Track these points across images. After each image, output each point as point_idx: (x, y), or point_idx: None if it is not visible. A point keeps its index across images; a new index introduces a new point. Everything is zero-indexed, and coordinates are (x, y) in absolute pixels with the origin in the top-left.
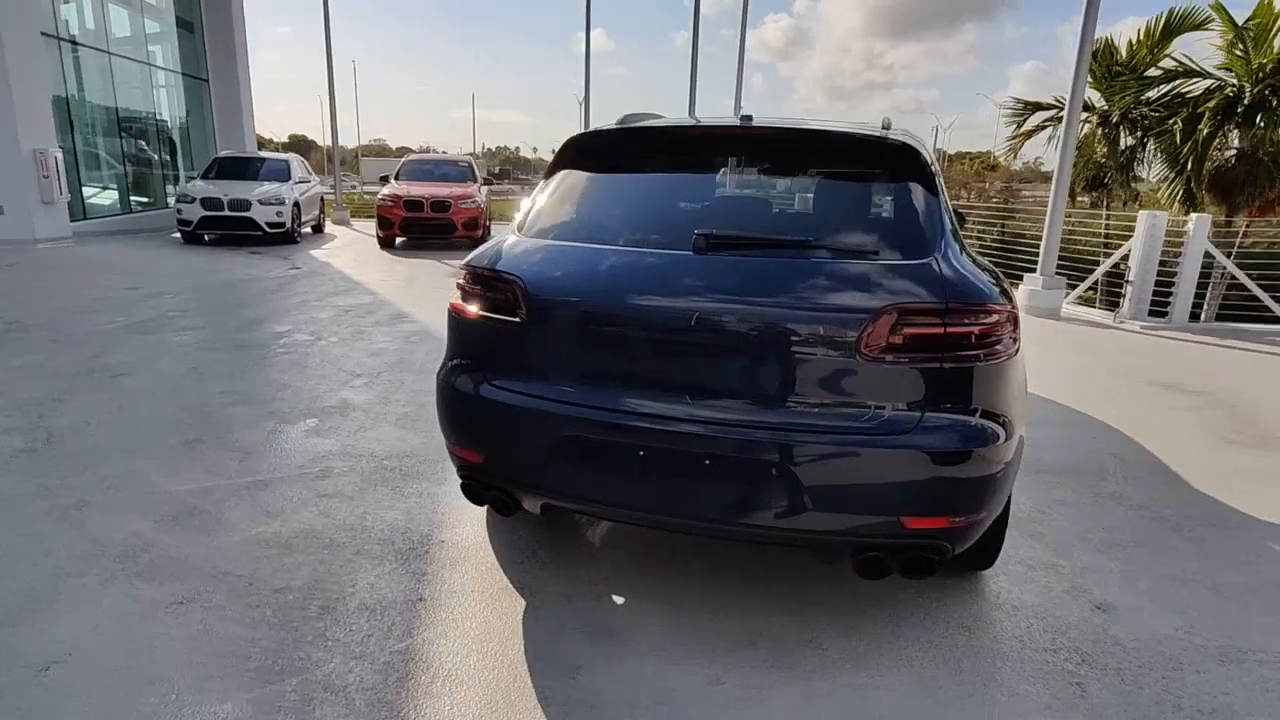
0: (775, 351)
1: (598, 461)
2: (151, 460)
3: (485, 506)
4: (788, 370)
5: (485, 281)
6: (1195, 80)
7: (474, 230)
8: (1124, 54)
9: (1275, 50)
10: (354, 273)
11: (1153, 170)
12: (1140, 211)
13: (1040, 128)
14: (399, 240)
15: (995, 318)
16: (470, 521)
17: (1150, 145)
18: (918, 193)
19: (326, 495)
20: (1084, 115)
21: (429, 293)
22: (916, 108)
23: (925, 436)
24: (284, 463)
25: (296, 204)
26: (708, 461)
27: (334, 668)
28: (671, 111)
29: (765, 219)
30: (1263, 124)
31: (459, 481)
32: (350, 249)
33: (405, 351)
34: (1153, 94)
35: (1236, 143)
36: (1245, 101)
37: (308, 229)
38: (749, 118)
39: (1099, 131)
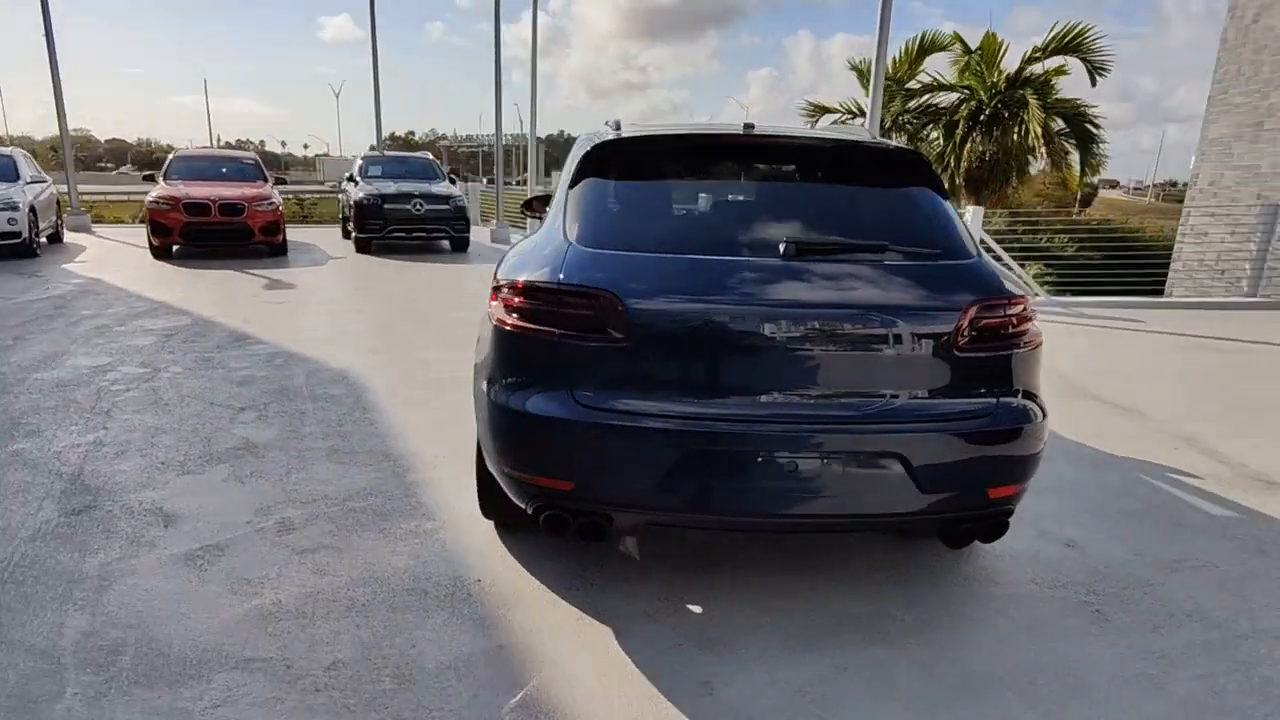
0: (879, 348)
1: (715, 471)
2: (50, 544)
3: (499, 531)
4: (892, 365)
5: (561, 297)
6: (946, 93)
7: (274, 236)
8: (890, 69)
9: (1002, 73)
10: (143, 290)
11: None
12: None
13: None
14: (176, 249)
15: (1030, 309)
16: (492, 555)
17: (919, 148)
18: (941, 199)
19: (306, 550)
20: (860, 120)
21: (260, 308)
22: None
23: (1004, 416)
24: (224, 520)
25: (32, 208)
26: (824, 460)
27: None
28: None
29: (826, 224)
30: (998, 131)
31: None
32: (113, 261)
33: (280, 378)
34: (914, 104)
35: (981, 146)
36: (986, 112)
37: (44, 238)
38: (751, 126)
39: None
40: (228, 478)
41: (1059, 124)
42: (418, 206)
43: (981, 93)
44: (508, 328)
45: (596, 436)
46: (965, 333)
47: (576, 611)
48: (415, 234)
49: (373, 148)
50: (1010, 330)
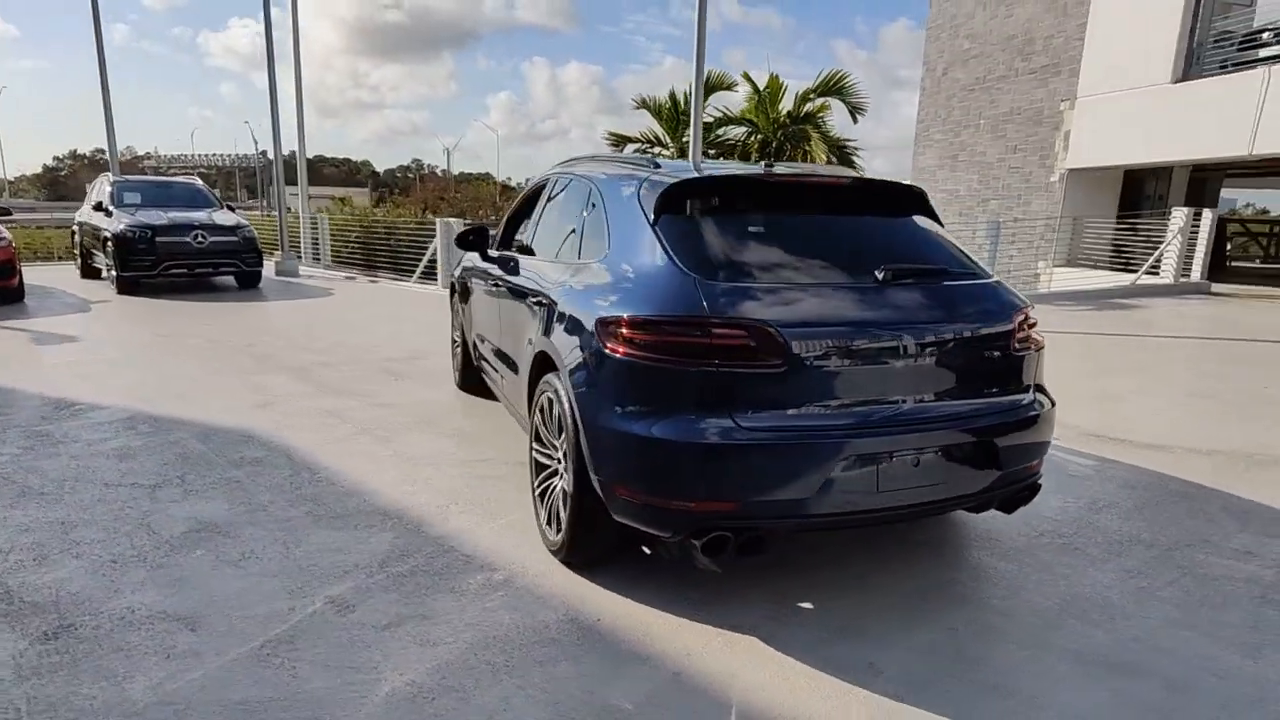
0: (970, 354)
1: (861, 474)
2: (51, 679)
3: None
4: (978, 367)
5: (716, 330)
6: (737, 127)
7: (9, 279)
8: (680, 103)
9: (782, 110)
10: None
11: None
12: (437, 220)
13: None
14: None
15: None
16: (583, 591)
17: None
18: (941, 227)
19: (389, 625)
20: (659, 150)
21: (51, 369)
22: (412, 128)
23: (1039, 404)
24: (260, 610)
25: None
26: (939, 453)
27: None
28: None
29: (887, 252)
30: (785, 160)
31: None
32: None
33: (167, 446)
34: (710, 136)
35: None
36: (773, 145)
37: None
38: (771, 166)
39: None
40: (215, 564)
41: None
42: (200, 239)
43: (766, 127)
44: (651, 363)
45: (760, 456)
46: (1017, 337)
47: (711, 629)
48: (199, 270)
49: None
50: (1033, 334)
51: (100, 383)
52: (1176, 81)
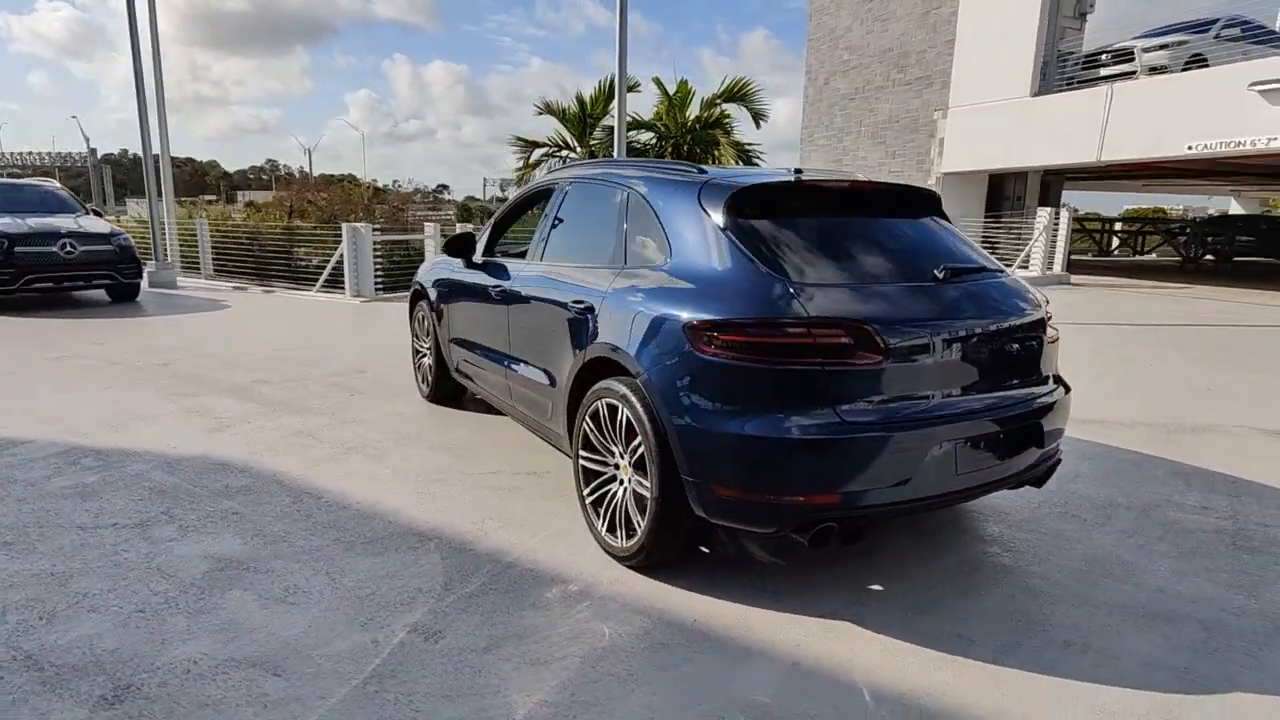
0: (1020, 343)
1: (949, 458)
2: None
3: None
4: (1026, 355)
5: (818, 331)
6: (644, 131)
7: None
8: (587, 105)
9: (690, 115)
10: None
11: None
12: (344, 225)
13: (541, 161)
14: None
15: None
16: (666, 592)
17: None
18: (953, 227)
19: (490, 647)
20: (568, 153)
21: None
22: (261, 127)
23: (1064, 388)
24: (335, 649)
25: None
26: (1004, 435)
27: None
28: None
29: (935, 251)
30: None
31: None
32: None
33: (135, 480)
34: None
35: None
36: (684, 148)
37: None
38: (800, 171)
39: None
40: (262, 602)
41: (734, 159)
42: (69, 249)
43: (675, 131)
44: (754, 364)
45: (863, 448)
46: (1049, 327)
47: (804, 618)
48: (67, 284)
49: None
50: (1052, 325)
51: (9, 415)
52: (1034, 95)
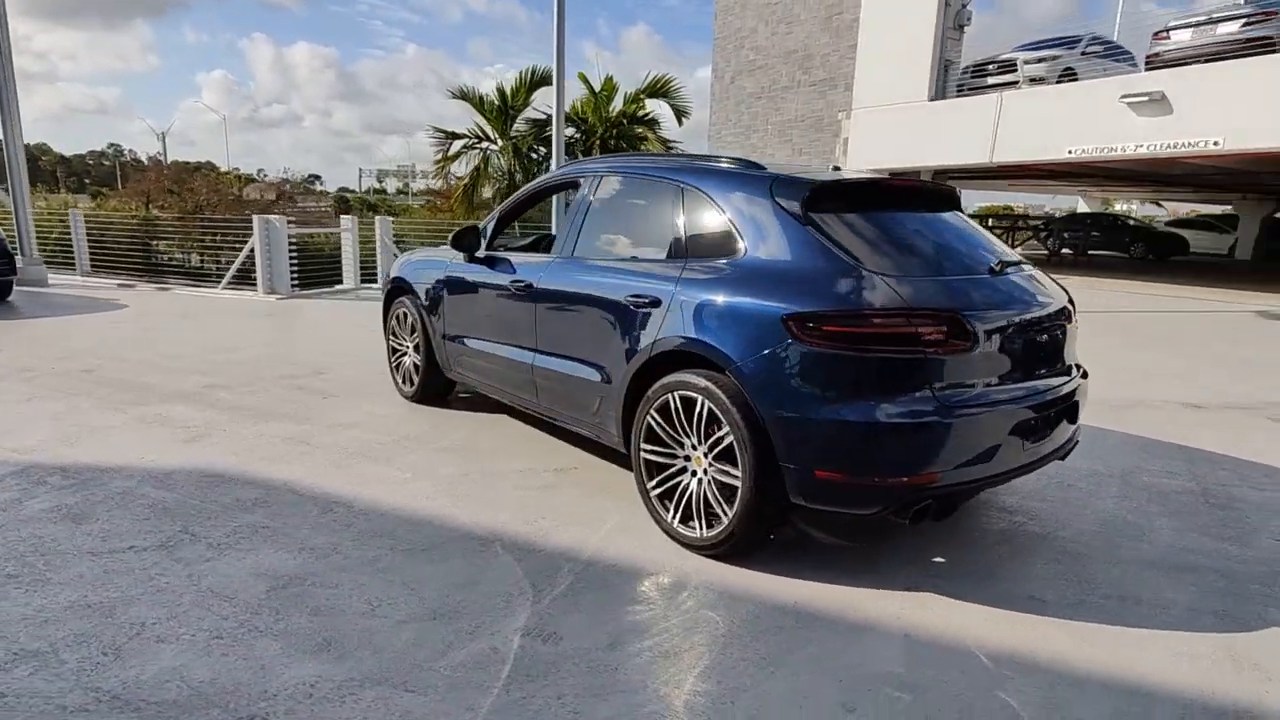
0: (1060, 328)
1: (1023, 434)
2: None
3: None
4: (1064, 339)
5: (915, 318)
6: (567, 125)
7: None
8: (507, 96)
9: (614, 109)
10: None
11: None
12: (255, 217)
13: (460, 153)
14: None
15: None
16: (752, 577)
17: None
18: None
19: (643, 645)
20: (488, 146)
21: None
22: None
23: (1082, 370)
24: (464, 678)
25: None
26: (1055, 413)
27: None
28: None
29: (976, 245)
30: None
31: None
32: None
33: (128, 500)
34: (544, 134)
35: None
36: (612, 144)
37: None
38: (839, 169)
39: (506, 159)
40: (348, 617)
41: None
42: None
43: (599, 126)
44: (859, 353)
45: (959, 429)
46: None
47: (893, 592)
48: None
49: None
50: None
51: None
52: (932, 99)
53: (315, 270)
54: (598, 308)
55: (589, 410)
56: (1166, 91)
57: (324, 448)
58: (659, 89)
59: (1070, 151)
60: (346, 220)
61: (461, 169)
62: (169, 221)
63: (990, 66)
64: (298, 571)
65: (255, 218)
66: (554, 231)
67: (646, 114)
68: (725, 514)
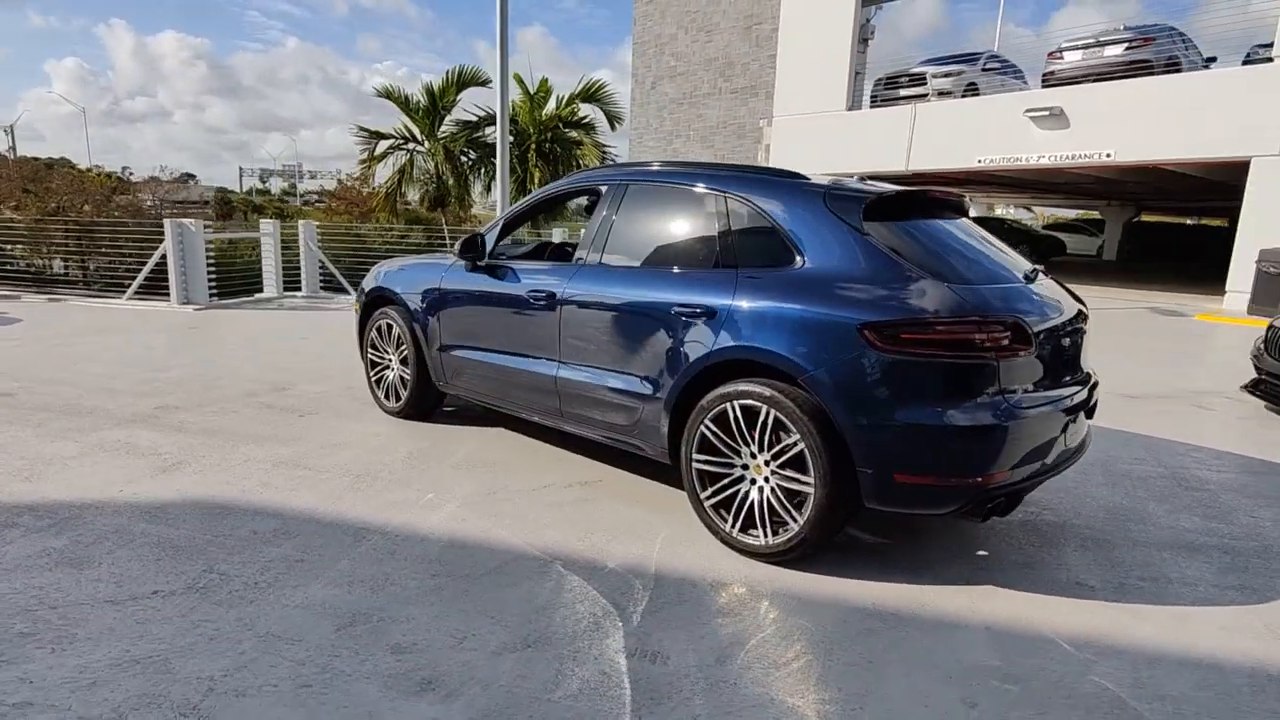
0: (1083, 331)
1: (1061, 433)
2: None
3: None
4: (1084, 340)
5: (987, 326)
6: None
7: None
8: (436, 95)
9: (547, 112)
10: None
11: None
12: (166, 220)
13: (387, 154)
14: None
15: None
16: (822, 584)
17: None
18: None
19: (749, 660)
20: (415, 147)
21: None
22: None
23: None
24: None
25: None
26: (1084, 411)
27: None
28: None
29: (1004, 252)
30: (558, 163)
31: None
32: None
33: (130, 534)
34: (476, 136)
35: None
36: (546, 147)
37: None
38: (866, 180)
39: (436, 161)
40: (439, 650)
41: (597, 160)
42: None
43: (532, 130)
44: (938, 359)
45: (1028, 429)
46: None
47: (954, 587)
48: None
49: None
50: None
51: None
52: (850, 110)
53: (232, 279)
54: (637, 317)
55: (626, 422)
56: (1065, 107)
57: (326, 471)
58: (592, 93)
59: (980, 160)
60: (268, 224)
61: (387, 171)
62: (53, 225)
63: (903, 79)
64: (359, 607)
65: (167, 222)
66: (545, 239)
67: (584, 118)
68: (795, 520)
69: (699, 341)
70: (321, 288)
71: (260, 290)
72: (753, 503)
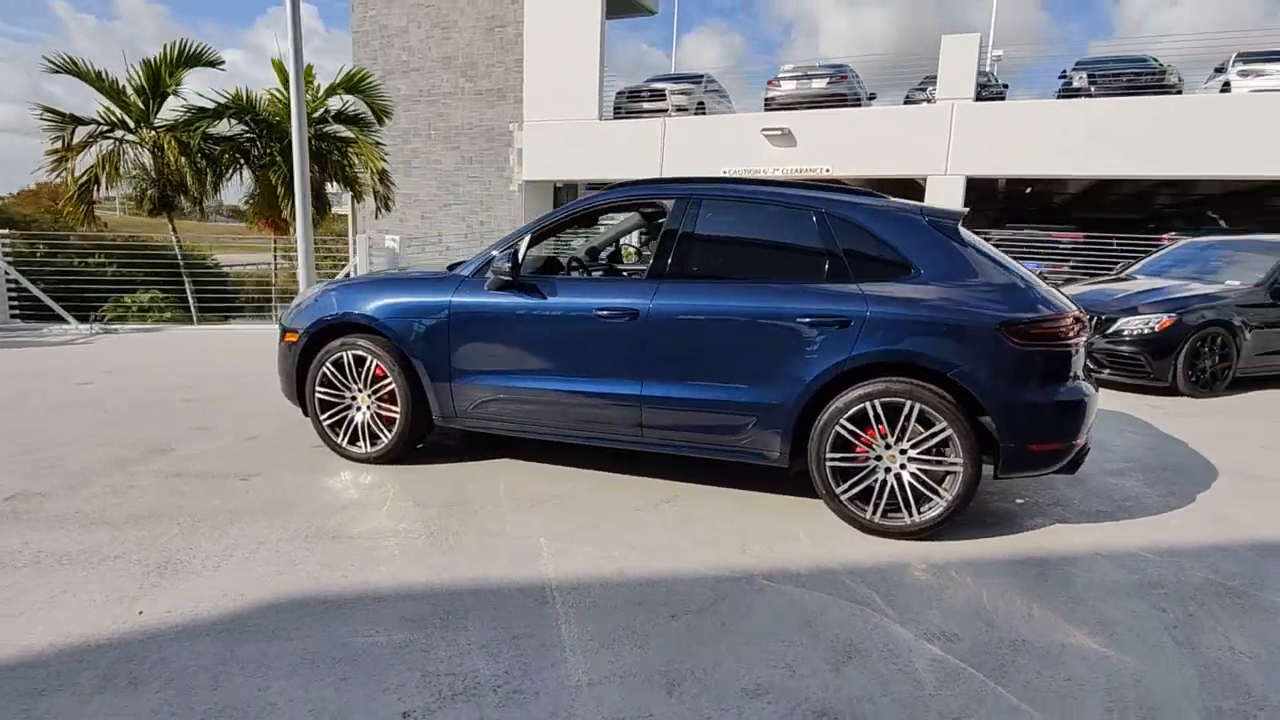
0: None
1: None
2: None
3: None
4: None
5: (1078, 319)
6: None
7: None
8: (146, 75)
9: (309, 102)
10: None
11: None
12: None
13: (89, 143)
14: None
15: None
16: (897, 570)
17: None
18: None
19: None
20: (125, 135)
21: None
22: None
23: None
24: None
25: None
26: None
27: None
28: None
29: (1011, 254)
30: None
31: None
32: None
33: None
34: (214, 130)
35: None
36: (311, 142)
37: None
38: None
39: (170, 153)
40: (744, 695)
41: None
42: None
43: (286, 122)
44: (1060, 348)
45: (1091, 401)
46: None
47: (1037, 531)
48: None
49: None
50: None
51: None
52: (601, 119)
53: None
54: (753, 330)
55: (737, 433)
56: (792, 128)
57: (367, 537)
58: (355, 84)
59: (725, 171)
60: None
61: (86, 163)
62: None
63: (645, 93)
64: (631, 667)
65: None
66: (546, 254)
67: (360, 114)
68: (943, 497)
69: (832, 349)
70: (14, 316)
71: None
72: (891, 489)
